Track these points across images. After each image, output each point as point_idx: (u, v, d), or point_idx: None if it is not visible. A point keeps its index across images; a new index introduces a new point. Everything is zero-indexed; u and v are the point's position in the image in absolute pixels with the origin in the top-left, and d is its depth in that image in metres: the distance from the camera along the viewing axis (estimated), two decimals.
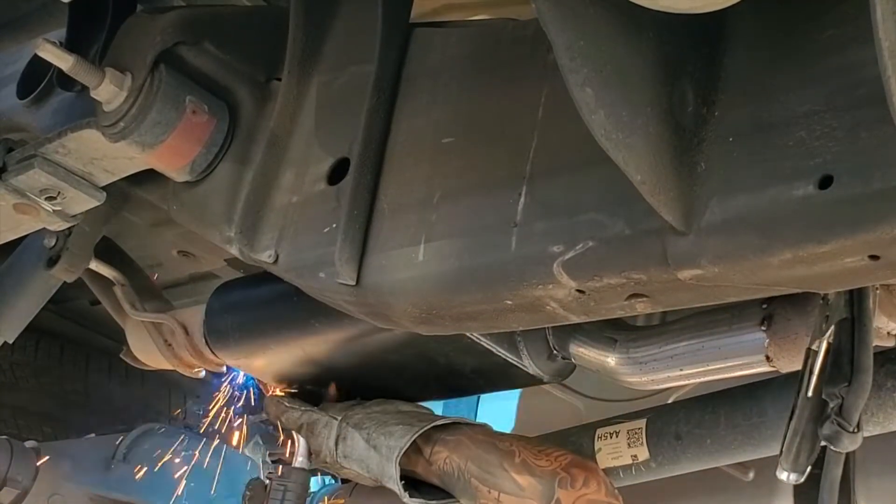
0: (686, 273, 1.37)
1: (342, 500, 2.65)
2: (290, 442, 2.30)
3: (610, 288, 1.46)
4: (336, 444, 2.19)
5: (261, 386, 2.48)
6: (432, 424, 2.12)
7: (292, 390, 2.39)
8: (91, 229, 2.29)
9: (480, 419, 2.64)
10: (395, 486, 2.08)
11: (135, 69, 1.81)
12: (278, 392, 2.39)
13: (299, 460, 2.26)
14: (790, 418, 1.62)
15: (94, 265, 2.42)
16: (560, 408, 2.86)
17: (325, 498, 2.73)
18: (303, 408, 2.28)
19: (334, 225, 1.71)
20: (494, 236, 1.54)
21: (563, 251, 1.46)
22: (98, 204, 1.99)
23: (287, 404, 2.31)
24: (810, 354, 1.62)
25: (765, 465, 2.23)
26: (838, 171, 1.24)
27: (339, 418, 2.20)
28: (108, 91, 1.80)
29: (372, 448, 2.12)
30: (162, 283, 2.78)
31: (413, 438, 2.08)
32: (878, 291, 1.64)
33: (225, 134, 1.88)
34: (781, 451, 1.61)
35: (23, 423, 3.33)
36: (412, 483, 2.12)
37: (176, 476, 2.73)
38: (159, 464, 2.76)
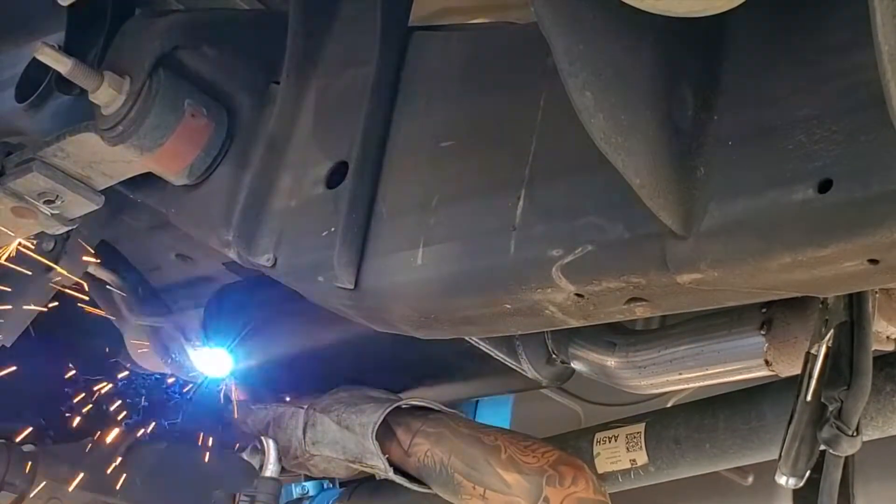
0: (685, 277, 1.37)
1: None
2: None
3: (609, 292, 1.46)
4: (304, 432, 2.15)
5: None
6: (404, 402, 2.10)
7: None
8: (89, 233, 2.29)
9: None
10: (379, 460, 2.04)
11: (133, 73, 1.81)
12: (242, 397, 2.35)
13: (269, 468, 2.16)
14: (789, 422, 1.61)
15: (93, 269, 2.42)
16: (559, 412, 2.86)
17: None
18: (269, 405, 2.25)
19: (333, 229, 1.71)
20: (493, 240, 1.53)
21: (562, 255, 1.45)
22: (96, 207, 1.98)
23: (252, 406, 2.27)
24: (809, 358, 1.62)
25: (764, 470, 2.23)
26: (838, 174, 1.23)
27: (306, 406, 2.18)
28: (107, 94, 1.79)
29: (345, 429, 2.08)
30: (160, 287, 2.78)
31: (386, 412, 2.05)
32: (877, 295, 1.64)
33: (223, 137, 1.88)
34: (780, 455, 1.61)
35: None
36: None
37: (174, 480, 2.73)
38: (158, 468, 2.75)
